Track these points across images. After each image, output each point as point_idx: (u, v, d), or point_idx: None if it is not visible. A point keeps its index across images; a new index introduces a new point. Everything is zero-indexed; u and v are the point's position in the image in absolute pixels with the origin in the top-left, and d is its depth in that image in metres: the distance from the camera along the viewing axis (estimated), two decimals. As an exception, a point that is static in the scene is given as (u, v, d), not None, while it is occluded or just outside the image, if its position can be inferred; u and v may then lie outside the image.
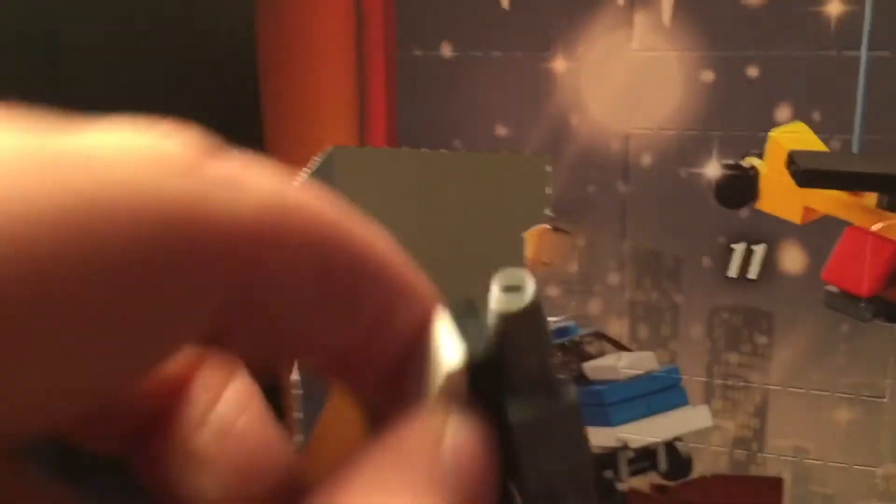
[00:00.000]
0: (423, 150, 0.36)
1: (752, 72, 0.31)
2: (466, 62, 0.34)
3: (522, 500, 0.12)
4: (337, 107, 0.37)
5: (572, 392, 0.12)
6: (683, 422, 0.34)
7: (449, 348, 0.13)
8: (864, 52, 0.30)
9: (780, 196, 0.32)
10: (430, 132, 0.35)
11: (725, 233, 0.32)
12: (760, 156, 0.31)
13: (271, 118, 0.38)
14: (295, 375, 0.36)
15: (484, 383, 0.12)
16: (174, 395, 0.13)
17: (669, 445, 0.35)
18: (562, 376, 0.13)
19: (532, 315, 0.12)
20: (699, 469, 0.34)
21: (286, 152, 0.37)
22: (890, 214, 0.31)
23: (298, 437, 0.36)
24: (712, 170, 0.32)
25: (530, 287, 0.12)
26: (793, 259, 0.32)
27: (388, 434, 0.12)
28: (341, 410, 0.36)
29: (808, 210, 0.32)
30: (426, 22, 0.35)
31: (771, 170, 0.31)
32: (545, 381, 0.13)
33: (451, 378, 0.12)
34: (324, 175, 0.37)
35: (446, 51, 0.35)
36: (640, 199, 0.33)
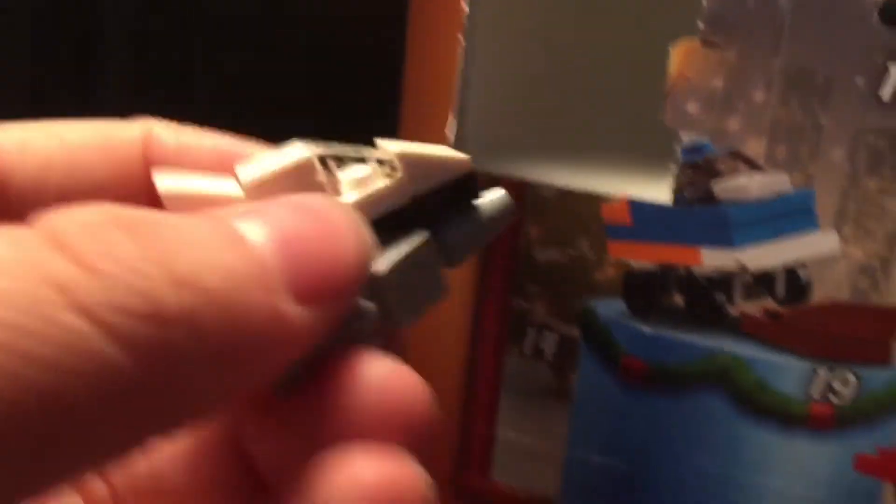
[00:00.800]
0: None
1: None
2: None
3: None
4: None
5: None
6: (809, 247, 0.34)
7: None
8: None
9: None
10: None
11: (885, 52, 0.32)
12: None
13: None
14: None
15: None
16: None
17: (790, 271, 0.35)
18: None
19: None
20: (817, 297, 0.35)
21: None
22: None
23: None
24: (879, -13, 0.31)
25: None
26: (947, 87, 0.31)
27: None
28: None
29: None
30: None
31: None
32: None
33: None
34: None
35: None
36: (800, 14, 0.32)
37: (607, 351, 0.38)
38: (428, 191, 0.16)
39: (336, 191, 0.16)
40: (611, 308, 0.38)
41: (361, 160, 0.16)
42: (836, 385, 0.35)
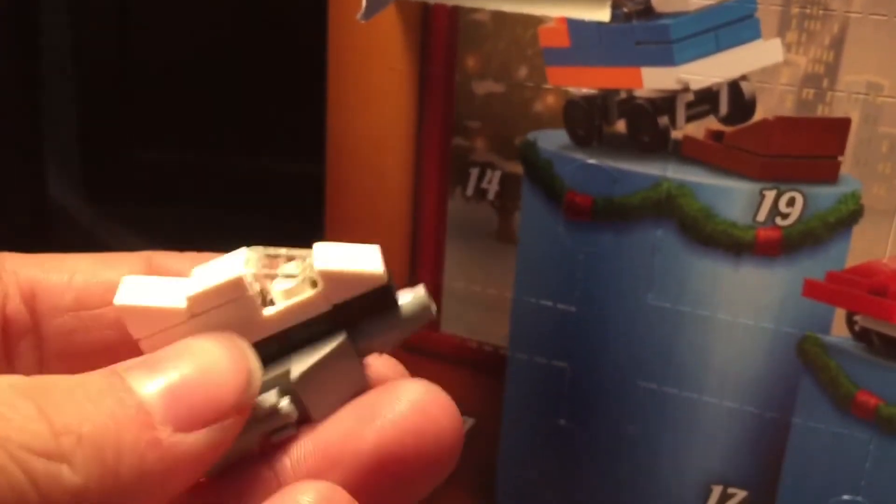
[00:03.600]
0: None
1: None
2: None
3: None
4: None
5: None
6: (752, 58, 0.33)
7: None
8: None
9: None
10: None
11: None
12: None
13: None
14: None
15: None
16: None
17: (733, 85, 0.33)
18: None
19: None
20: (761, 112, 0.33)
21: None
22: None
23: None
24: None
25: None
26: None
27: None
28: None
29: None
30: None
31: None
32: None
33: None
34: None
35: None
36: None
37: (550, 186, 0.37)
38: (347, 299, 0.19)
39: (265, 301, 0.19)
40: (552, 140, 0.37)
41: (293, 261, 0.19)
42: (783, 206, 0.34)
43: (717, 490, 0.38)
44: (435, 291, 0.41)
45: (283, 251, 0.19)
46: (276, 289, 0.19)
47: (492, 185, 0.38)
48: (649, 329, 0.37)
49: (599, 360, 0.39)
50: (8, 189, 0.58)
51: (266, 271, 0.19)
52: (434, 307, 0.20)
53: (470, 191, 0.39)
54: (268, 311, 0.19)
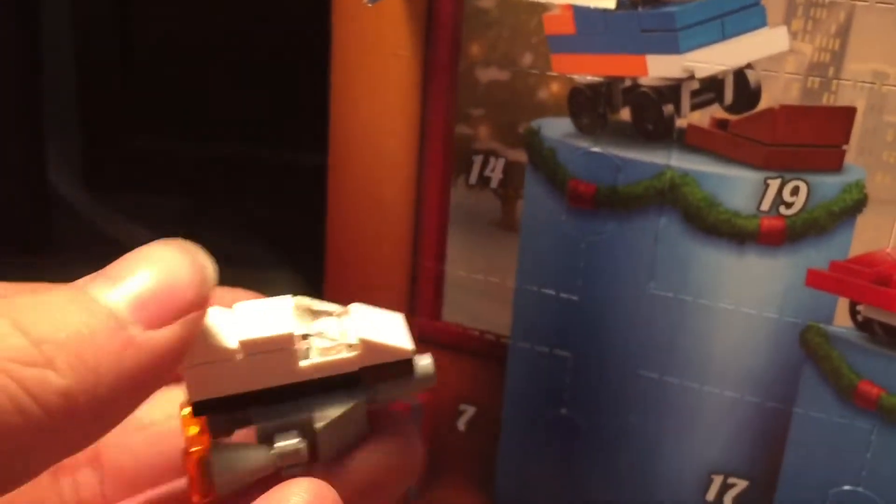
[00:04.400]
0: None
1: None
2: None
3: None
4: None
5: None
6: (758, 45, 0.32)
7: None
8: None
9: None
10: None
11: None
12: None
13: None
14: None
15: None
16: None
17: (738, 73, 0.33)
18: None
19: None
20: (766, 101, 0.33)
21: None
22: None
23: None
24: None
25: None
26: None
27: None
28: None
29: None
30: None
31: None
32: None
33: None
34: None
35: None
36: None
37: (554, 174, 0.37)
38: (375, 364, 0.22)
39: (305, 355, 0.21)
40: (556, 128, 0.37)
41: (332, 317, 0.22)
42: (787, 196, 0.34)
43: (717, 480, 0.38)
44: (437, 279, 0.41)
45: (324, 307, 0.22)
46: (316, 345, 0.22)
47: (495, 172, 0.38)
48: (651, 318, 0.37)
49: (601, 349, 0.39)
50: (8, 176, 0.58)
51: (307, 327, 0.22)
52: (435, 378, 0.23)
53: (473, 179, 0.39)
54: (304, 363, 0.21)
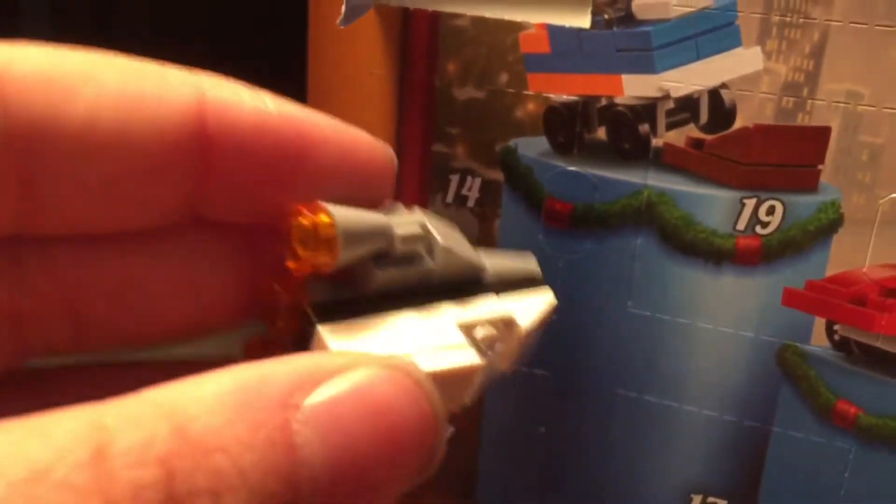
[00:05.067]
0: None
1: None
2: None
3: None
4: None
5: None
6: (732, 65, 0.32)
7: None
8: None
9: None
10: None
11: None
12: None
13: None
14: None
15: None
16: None
17: (713, 93, 0.33)
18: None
19: None
20: (741, 120, 0.33)
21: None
22: None
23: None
24: None
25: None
26: None
27: None
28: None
29: None
30: None
31: None
32: None
33: None
34: None
35: None
36: None
37: (531, 193, 0.37)
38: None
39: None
40: (533, 147, 0.36)
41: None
42: (763, 215, 0.34)
43: (696, 499, 0.38)
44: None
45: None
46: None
47: (472, 191, 0.38)
48: (629, 337, 0.37)
49: (579, 367, 0.38)
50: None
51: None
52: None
53: (450, 197, 0.38)
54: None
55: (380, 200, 0.18)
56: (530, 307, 0.19)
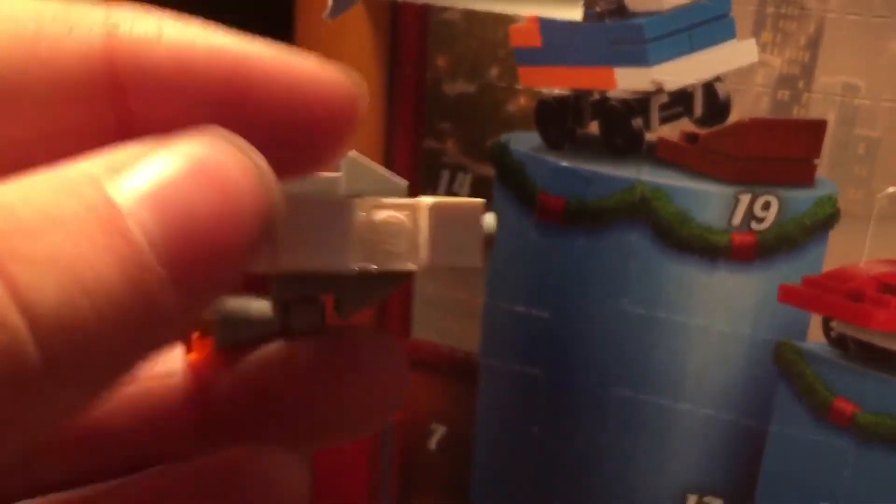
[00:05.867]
0: None
1: None
2: None
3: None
4: None
5: None
6: (727, 58, 0.32)
7: None
8: None
9: None
10: None
11: None
12: None
13: None
14: None
15: None
16: None
17: (708, 86, 0.33)
18: None
19: None
20: (736, 114, 0.32)
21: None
22: None
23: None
24: None
25: None
26: None
27: None
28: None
29: None
30: None
31: None
32: None
33: None
34: None
35: None
36: None
37: (523, 189, 0.36)
38: None
39: None
40: (525, 142, 0.36)
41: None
42: (758, 210, 0.33)
43: (692, 499, 0.38)
44: (406, 296, 0.40)
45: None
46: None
47: (463, 187, 0.37)
48: (624, 335, 0.37)
49: (573, 366, 0.38)
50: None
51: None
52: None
53: (441, 193, 0.38)
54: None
55: (334, 149, 0.15)
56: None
